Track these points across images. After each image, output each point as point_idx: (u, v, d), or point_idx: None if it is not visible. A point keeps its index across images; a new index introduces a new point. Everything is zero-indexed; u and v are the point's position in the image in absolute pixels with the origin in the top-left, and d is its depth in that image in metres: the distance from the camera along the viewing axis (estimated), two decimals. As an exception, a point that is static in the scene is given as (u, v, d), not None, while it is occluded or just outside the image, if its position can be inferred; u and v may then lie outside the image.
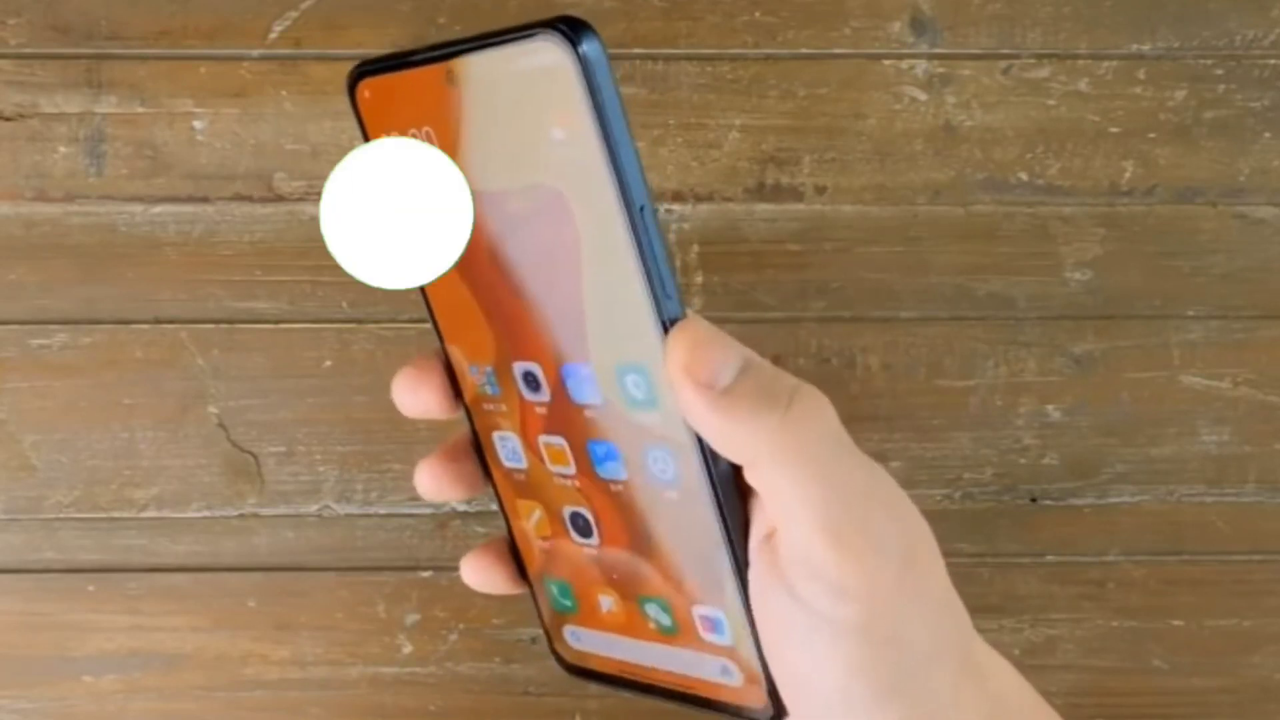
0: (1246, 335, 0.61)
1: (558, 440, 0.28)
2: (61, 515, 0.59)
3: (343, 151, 0.59)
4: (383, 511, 0.60)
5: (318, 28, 0.60)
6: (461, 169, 0.26)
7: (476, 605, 0.59)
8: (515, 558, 0.32)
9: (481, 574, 0.32)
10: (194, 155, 0.60)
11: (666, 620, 0.29)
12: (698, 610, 0.28)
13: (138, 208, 0.60)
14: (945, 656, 0.25)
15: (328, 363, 0.60)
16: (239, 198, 0.60)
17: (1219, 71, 0.61)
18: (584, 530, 0.29)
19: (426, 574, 0.60)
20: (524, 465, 0.30)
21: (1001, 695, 0.27)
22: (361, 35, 0.60)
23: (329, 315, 0.60)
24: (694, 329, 0.25)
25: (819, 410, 0.25)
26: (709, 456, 0.26)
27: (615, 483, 0.28)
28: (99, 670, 0.59)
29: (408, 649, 0.60)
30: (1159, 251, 0.61)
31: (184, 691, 0.59)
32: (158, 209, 0.60)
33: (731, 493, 0.26)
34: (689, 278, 0.59)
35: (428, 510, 0.59)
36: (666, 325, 0.25)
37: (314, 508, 0.60)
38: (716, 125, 0.60)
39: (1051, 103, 0.60)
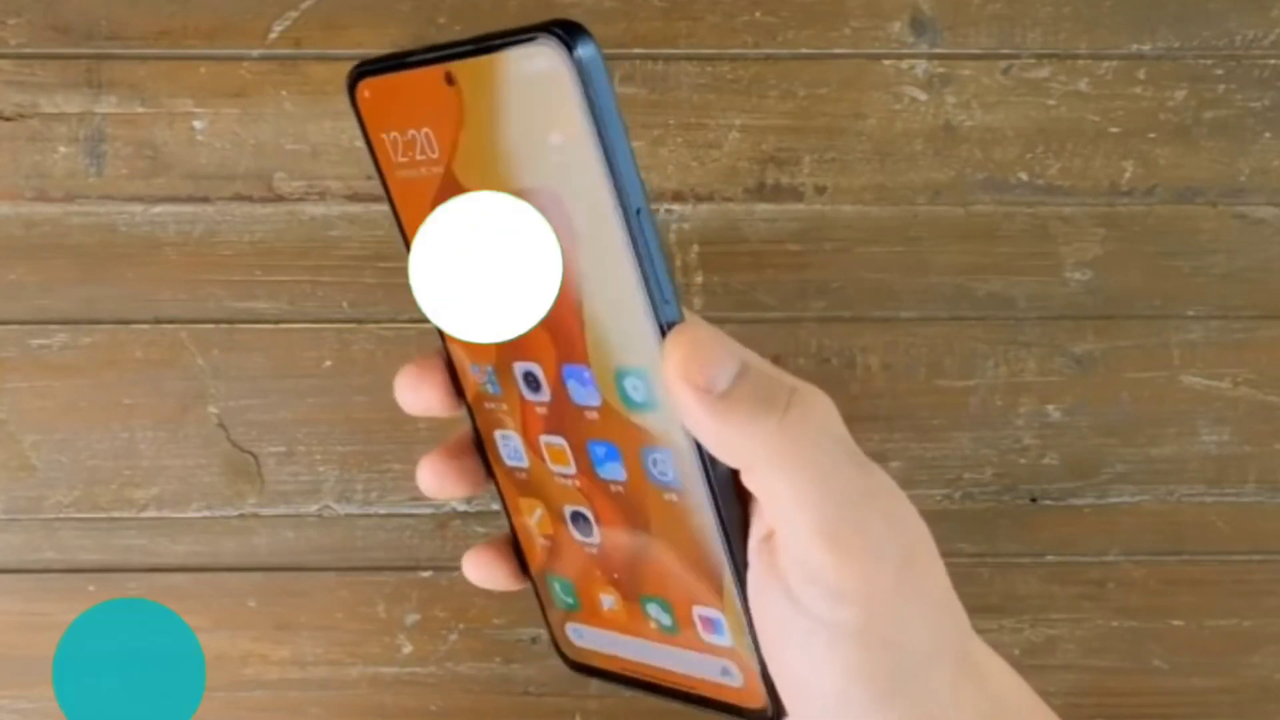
0: (1246, 335, 0.61)
1: (558, 440, 0.28)
2: (61, 515, 0.59)
3: (343, 151, 0.59)
4: (383, 511, 0.60)
5: (318, 28, 0.60)
6: (460, 171, 0.26)
7: (476, 605, 0.60)
8: (517, 554, 0.32)
9: (483, 570, 0.32)
10: (194, 155, 0.60)
11: (667, 620, 0.29)
12: (698, 611, 0.28)
13: (138, 208, 0.60)
14: (944, 658, 0.25)
15: (328, 363, 0.60)
16: (239, 198, 0.60)
17: (1219, 71, 0.61)
18: (585, 529, 0.29)
19: (426, 574, 0.60)
20: (525, 464, 0.30)
21: (1000, 696, 0.27)
22: (361, 35, 0.60)
23: (329, 315, 0.60)
24: (691, 333, 0.25)
25: (817, 412, 0.25)
26: (707, 460, 0.26)
27: (615, 483, 0.28)
28: (99, 670, 0.59)
29: (408, 649, 0.60)
30: (1159, 251, 0.61)
31: (184, 691, 0.59)
32: (158, 209, 0.60)
33: (730, 496, 0.26)
34: (689, 277, 0.59)
35: (428, 510, 0.59)
36: (664, 329, 0.25)
37: (314, 508, 0.60)
38: (716, 125, 0.60)
39: (1051, 103, 0.60)
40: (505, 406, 0.29)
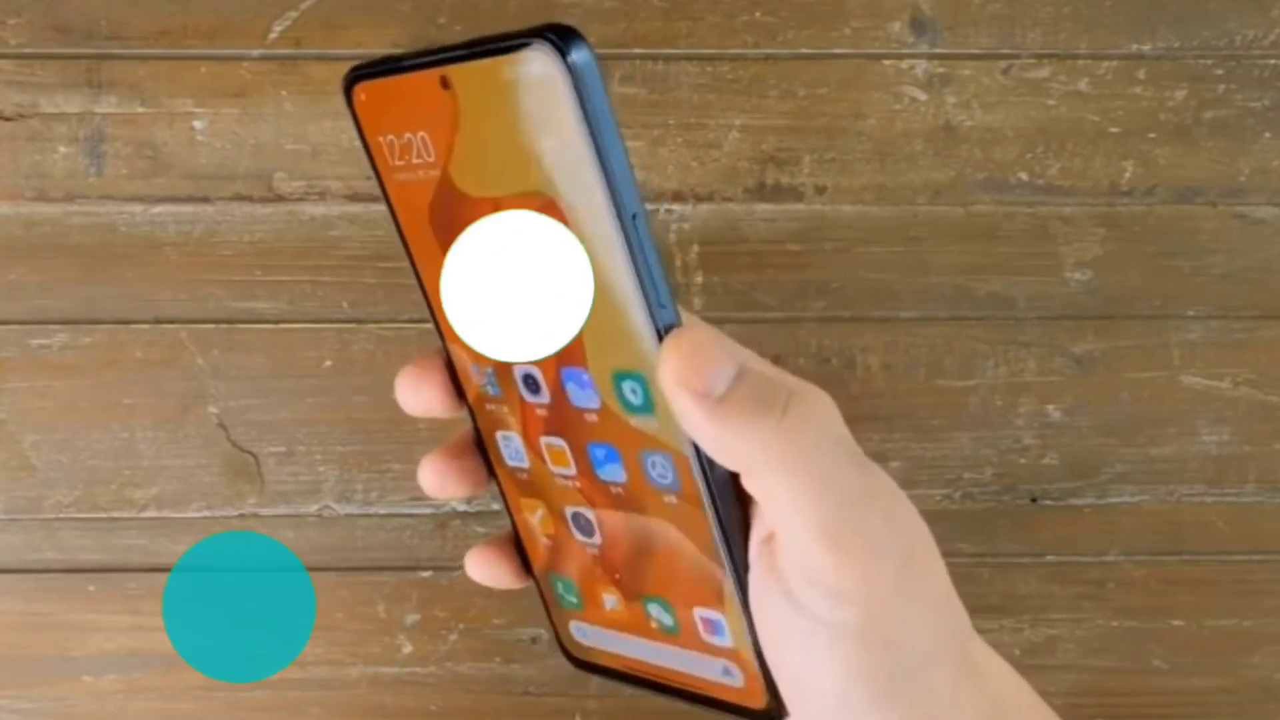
0: (1246, 335, 0.61)
1: (558, 442, 0.28)
2: (61, 515, 0.59)
3: (343, 151, 0.59)
4: (383, 511, 0.60)
5: (318, 28, 0.60)
6: (457, 174, 0.26)
7: (476, 605, 0.60)
8: (520, 553, 0.32)
9: (486, 568, 0.32)
10: (194, 155, 0.60)
11: (668, 620, 0.29)
12: (699, 612, 0.28)
13: (138, 208, 0.60)
14: (944, 658, 0.25)
15: (328, 363, 0.60)
16: (239, 198, 0.60)
17: (1219, 71, 0.61)
18: (586, 530, 0.29)
19: (426, 574, 0.60)
20: (526, 465, 0.30)
21: (1000, 696, 0.27)
22: (361, 35, 0.60)
23: (329, 315, 0.60)
24: (688, 337, 0.25)
25: (817, 413, 0.25)
26: (706, 463, 0.26)
27: (615, 485, 0.28)
28: (99, 670, 0.59)
29: (408, 649, 0.60)
30: (1159, 251, 0.61)
31: (184, 691, 0.59)
32: (158, 209, 0.60)
33: (730, 498, 0.26)
34: (689, 277, 0.59)
35: (428, 510, 0.59)
36: (661, 333, 0.25)
37: (314, 508, 0.60)
38: (716, 125, 0.60)
39: (1051, 103, 0.60)
40: (506, 408, 0.29)
